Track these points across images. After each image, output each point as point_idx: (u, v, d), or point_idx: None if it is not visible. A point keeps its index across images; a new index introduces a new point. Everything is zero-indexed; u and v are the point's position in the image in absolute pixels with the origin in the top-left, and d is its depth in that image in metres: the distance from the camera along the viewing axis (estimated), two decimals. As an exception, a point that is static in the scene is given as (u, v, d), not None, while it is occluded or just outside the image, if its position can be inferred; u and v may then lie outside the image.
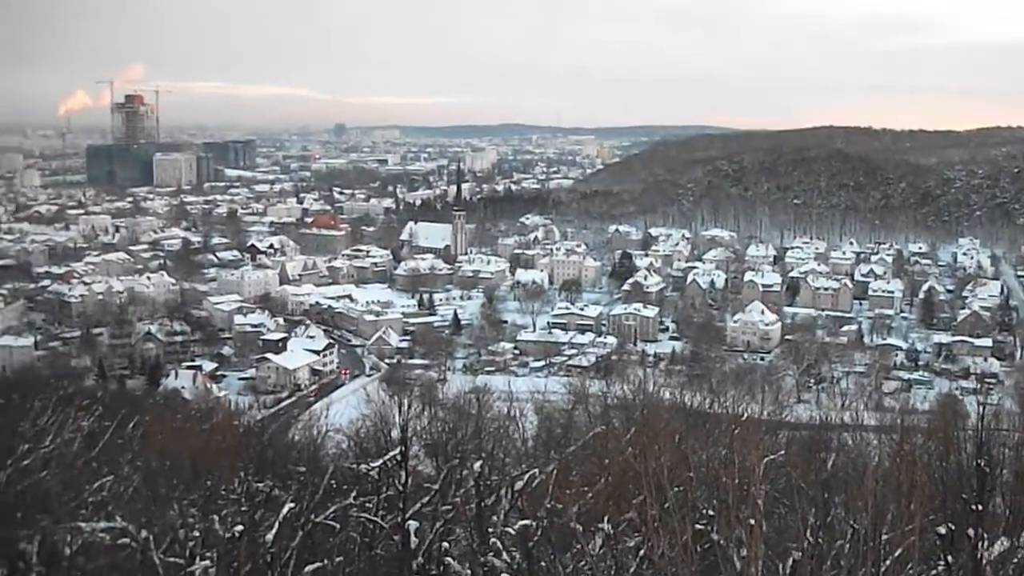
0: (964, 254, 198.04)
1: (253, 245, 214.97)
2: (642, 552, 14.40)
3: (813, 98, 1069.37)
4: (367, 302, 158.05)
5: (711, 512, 13.74)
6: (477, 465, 19.03)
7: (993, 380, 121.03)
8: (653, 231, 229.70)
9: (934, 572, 12.84)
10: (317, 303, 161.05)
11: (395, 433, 27.07)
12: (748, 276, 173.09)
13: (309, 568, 15.22)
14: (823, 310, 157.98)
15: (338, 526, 17.39)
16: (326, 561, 15.93)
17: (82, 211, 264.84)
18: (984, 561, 11.92)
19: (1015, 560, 12.93)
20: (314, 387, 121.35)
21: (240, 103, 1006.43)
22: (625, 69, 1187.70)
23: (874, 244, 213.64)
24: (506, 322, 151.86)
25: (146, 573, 14.49)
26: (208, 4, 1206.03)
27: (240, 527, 14.89)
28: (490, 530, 17.15)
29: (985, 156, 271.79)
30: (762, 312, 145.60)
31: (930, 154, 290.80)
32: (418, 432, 31.97)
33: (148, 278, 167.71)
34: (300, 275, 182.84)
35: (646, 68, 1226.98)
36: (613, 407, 59.38)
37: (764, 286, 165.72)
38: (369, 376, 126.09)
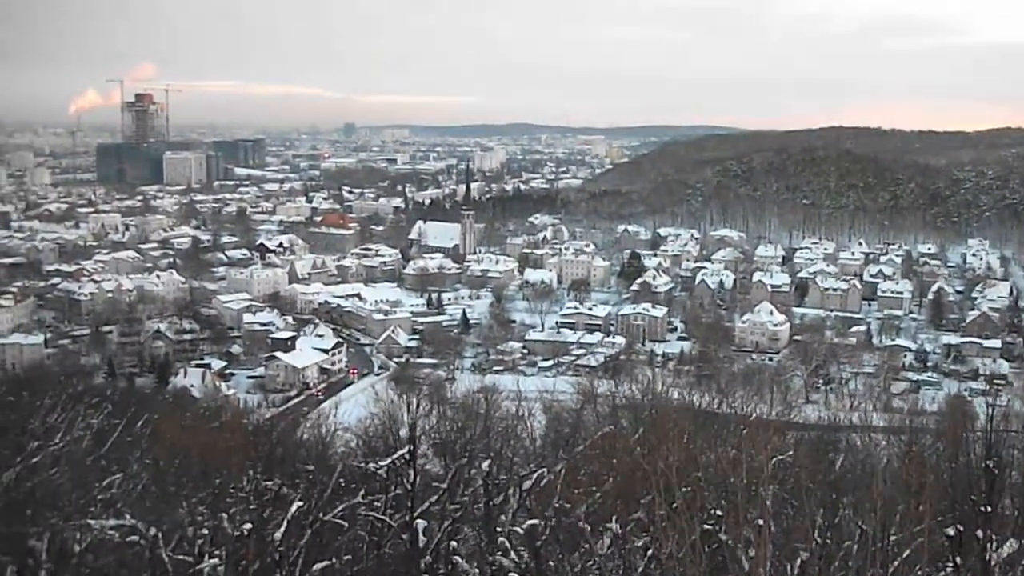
0: (973, 255, 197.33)
1: (262, 244, 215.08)
2: (650, 552, 14.41)
3: (822, 98, 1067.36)
4: (376, 301, 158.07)
5: (719, 512, 13.74)
6: (485, 464, 19.01)
7: (1002, 381, 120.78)
8: (662, 231, 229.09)
9: (943, 574, 12.82)
10: (326, 302, 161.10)
11: (403, 432, 27.19)
12: (757, 276, 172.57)
13: (317, 566, 15.23)
14: (832, 311, 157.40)
15: (346, 524, 17.39)
16: (334, 559, 15.94)
17: (92, 209, 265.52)
18: (993, 563, 11.88)
19: (1024, 562, 12.89)
20: (323, 386, 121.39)
21: (250, 102, 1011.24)
22: (635, 69, 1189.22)
23: (883, 245, 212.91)
24: (515, 322, 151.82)
25: (155, 571, 14.52)
26: (218, 3, 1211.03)
27: (249, 525, 14.91)
28: (498, 529, 17.15)
29: (995, 157, 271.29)
30: (771, 312, 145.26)
31: (940, 155, 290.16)
32: (426, 431, 32.10)
33: (158, 276, 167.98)
34: (309, 274, 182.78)
35: (655, 68, 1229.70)
36: (621, 407, 59.45)
37: (773, 286, 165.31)
38: (378, 375, 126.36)
